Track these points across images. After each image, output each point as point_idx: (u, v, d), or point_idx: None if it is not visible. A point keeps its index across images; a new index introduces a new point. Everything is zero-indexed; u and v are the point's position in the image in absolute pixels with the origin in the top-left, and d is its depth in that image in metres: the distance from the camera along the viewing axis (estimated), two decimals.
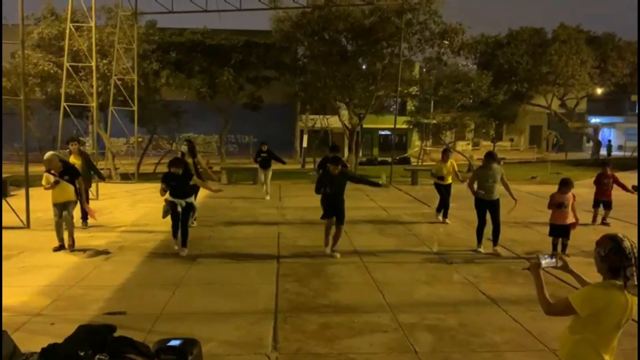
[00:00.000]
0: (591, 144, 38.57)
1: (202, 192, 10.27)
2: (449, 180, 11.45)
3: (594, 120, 46.66)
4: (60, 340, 3.59)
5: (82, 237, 9.34)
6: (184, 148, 10.85)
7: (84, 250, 8.54)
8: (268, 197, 14.50)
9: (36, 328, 5.39)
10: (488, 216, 8.73)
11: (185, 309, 6.01)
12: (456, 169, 11.59)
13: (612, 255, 2.87)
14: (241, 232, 10.35)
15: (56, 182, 8.25)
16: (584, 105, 42.57)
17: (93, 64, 16.25)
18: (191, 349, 3.64)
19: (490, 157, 8.81)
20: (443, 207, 11.44)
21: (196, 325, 5.44)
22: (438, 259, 8.40)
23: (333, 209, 8.40)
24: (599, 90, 36.56)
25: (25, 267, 7.63)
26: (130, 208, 13.12)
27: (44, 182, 8.40)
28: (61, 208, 8.44)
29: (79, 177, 8.66)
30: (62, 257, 8.20)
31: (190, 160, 10.76)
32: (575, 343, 2.97)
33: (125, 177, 20.17)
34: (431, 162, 26.98)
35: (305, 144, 32.26)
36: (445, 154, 11.55)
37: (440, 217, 11.41)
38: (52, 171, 8.31)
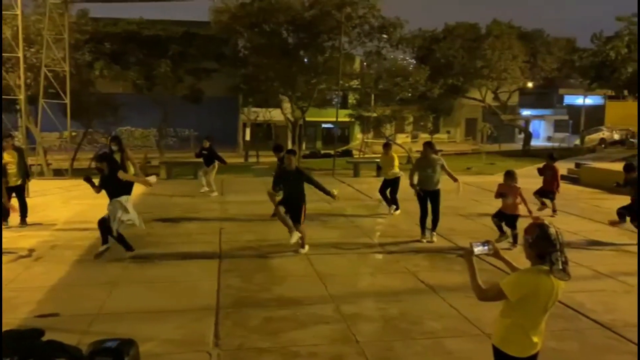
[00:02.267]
0: (522, 135, 40.39)
1: (139, 189, 9.94)
2: (394, 174, 11.52)
3: (525, 112, 48.92)
4: None
5: (11, 237, 8.84)
6: (114, 147, 10.37)
7: (12, 252, 8.09)
8: (215, 194, 13.81)
9: None
10: (429, 206, 8.96)
11: (123, 309, 5.82)
12: (396, 162, 11.69)
13: (539, 242, 3.01)
14: (182, 228, 10.12)
15: None
16: (516, 98, 44.52)
17: (20, 54, 15.40)
18: (128, 350, 3.53)
19: (427, 146, 9.12)
20: (389, 200, 11.54)
21: (135, 324, 5.29)
22: (380, 250, 8.56)
23: (291, 209, 7.99)
24: (530, 84, 38.32)
25: None
26: (63, 205, 12.53)
27: None
28: None
29: (4, 178, 8.22)
30: None
31: (118, 156, 10.32)
32: (506, 327, 3.11)
33: (59, 173, 19.29)
34: (372, 154, 27.40)
35: (247, 137, 31.98)
36: (385, 147, 11.71)
37: (393, 210, 11.45)
38: None
